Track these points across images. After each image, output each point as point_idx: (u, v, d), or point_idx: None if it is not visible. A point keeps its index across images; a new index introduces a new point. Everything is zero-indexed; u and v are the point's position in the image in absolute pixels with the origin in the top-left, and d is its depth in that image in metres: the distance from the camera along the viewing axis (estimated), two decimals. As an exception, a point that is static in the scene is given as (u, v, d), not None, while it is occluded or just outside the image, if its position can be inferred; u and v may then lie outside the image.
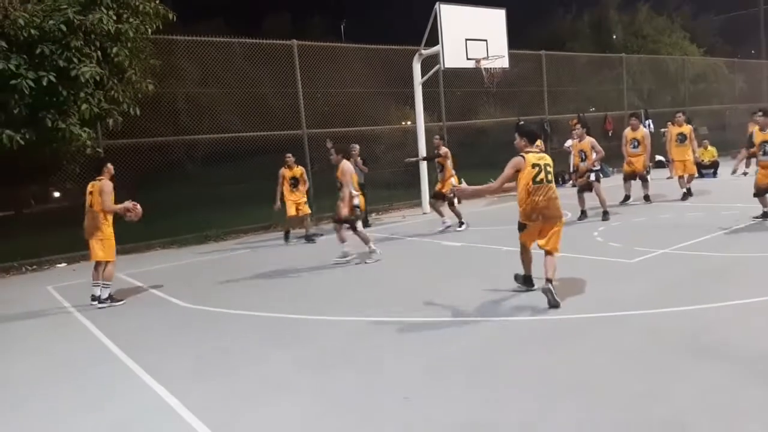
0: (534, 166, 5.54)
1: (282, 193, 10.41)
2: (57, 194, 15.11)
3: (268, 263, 8.86)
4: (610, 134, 18.81)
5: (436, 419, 3.46)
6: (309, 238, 10.66)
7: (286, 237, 10.69)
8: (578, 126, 11.83)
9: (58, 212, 14.75)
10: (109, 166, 7.13)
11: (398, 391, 3.87)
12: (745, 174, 15.34)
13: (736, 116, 25.22)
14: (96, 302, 6.87)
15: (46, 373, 4.82)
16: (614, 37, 29.86)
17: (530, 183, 5.52)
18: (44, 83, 8.47)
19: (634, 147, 11.78)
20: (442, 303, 5.92)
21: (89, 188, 7.01)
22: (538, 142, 6.84)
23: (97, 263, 6.95)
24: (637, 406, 3.42)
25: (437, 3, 11.86)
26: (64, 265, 10.20)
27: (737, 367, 3.83)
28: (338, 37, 29.63)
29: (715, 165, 16.10)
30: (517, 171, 5.57)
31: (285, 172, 10.49)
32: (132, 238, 10.26)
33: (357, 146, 11.53)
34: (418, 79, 12.97)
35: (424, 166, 13.12)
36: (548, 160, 5.68)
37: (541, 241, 5.69)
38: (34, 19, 8.62)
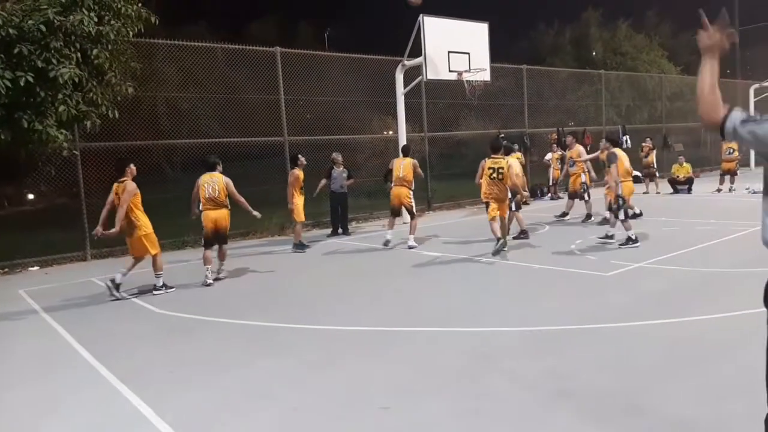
0: (490, 168, 8.85)
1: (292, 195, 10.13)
2: (31, 196, 14.84)
3: (247, 270, 8.78)
4: (588, 149, 19.06)
5: (416, 430, 3.45)
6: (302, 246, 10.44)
7: (302, 246, 10.34)
8: (569, 138, 12.12)
9: (33, 214, 14.49)
10: (132, 167, 7.36)
11: (378, 401, 3.86)
12: (718, 191, 15.70)
13: (711, 134, 25.75)
14: (158, 290, 7.46)
15: (13, 379, 4.71)
16: (594, 53, 30.40)
17: (488, 178, 8.86)
18: (21, 83, 8.32)
19: (571, 165, 12.01)
20: (424, 314, 5.93)
21: (114, 190, 7.28)
22: (501, 153, 9.11)
23: (136, 259, 7.52)
24: (621, 417, 3.45)
25: (421, 15, 11.95)
26: (36, 268, 10.00)
27: (716, 380, 3.89)
28: (322, 45, 29.71)
29: (690, 181, 16.42)
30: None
31: (300, 174, 10.17)
32: (108, 242, 10.09)
33: (339, 156, 11.56)
34: (400, 89, 13.04)
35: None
36: (502, 164, 8.79)
37: (496, 212, 8.79)
38: (12, 18, 8.48)
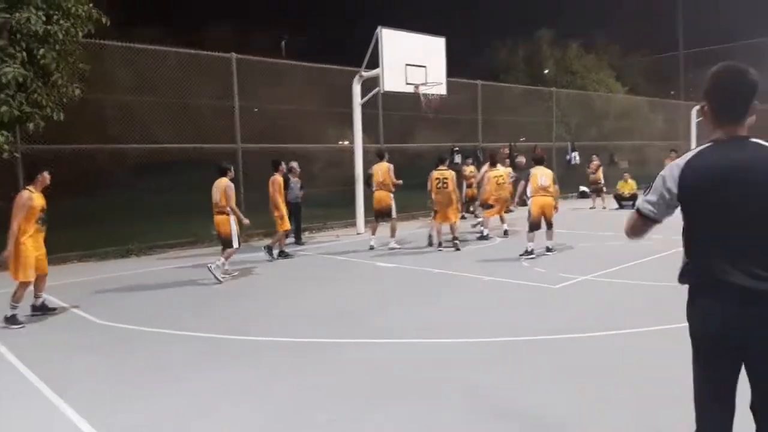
0: (437, 178, 10.27)
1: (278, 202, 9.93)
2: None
3: (195, 280, 8.58)
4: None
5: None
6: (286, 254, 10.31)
7: (282, 253, 10.12)
8: (519, 156, 12.43)
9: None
10: (45, 174, 6.63)
11: (324, 414, 3.81)
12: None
13: (655, 152, 26.82)
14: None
15: (-59, 393, 4.44)
16: (546, 71, 31.27)
17: (435, 187, 10.27)
18: (-39, 82, 7.96)
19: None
20: (376, 325, 5.91)
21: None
22: (445, 165, 10.61)
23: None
24: (566, 428, 3.51)
25: (379, 27, 12.03)
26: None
27: (659, 390, 4.01)
28: (279, 53, 29.51)
29: (634, 197, 16.99)
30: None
31: (281, 180, 10.01)
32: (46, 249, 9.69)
33: (297, 166, 11.51)
34: (357, 100, 13.06)
35: (360, 188, 13.15)
36: (446, 175, 10.30)
37: (446, 220, 10.32)
38: (-48, 14, 8.12)
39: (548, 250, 9.66)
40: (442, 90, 13.14)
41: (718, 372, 2.43)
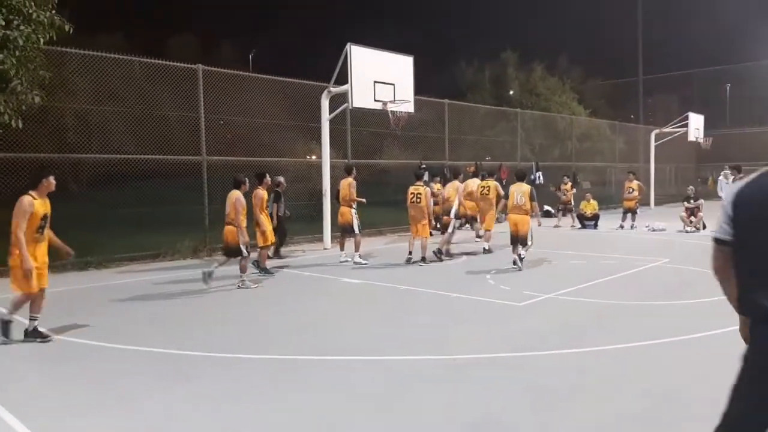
0: (411, 193, 10.67)
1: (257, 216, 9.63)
2: None
3: (155, 294, 8.35)
4: (504, 182, 19.85)
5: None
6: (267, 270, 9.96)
7: (265, 269, 9.73)
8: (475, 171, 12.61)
9: None
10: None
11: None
12: (621, 227, 16.72)
13: (615, 174, 27.55)
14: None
15: None
16: (511, 92, 31.92)
17: (410, 201, 10.63)
18: None
19: None
20: (340, 342, 5.83)
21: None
22: (421, 182, 11.00)
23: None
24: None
25: (348, 44, 12.08)
26: None
27: (621, 406, 4.05)
28: (246, 66, 29.38)
29: (596, 217, 17.37)
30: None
31: (264, 194, 9.65)
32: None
33: (283, 179, 11.47)
34: (326, 115, 13.05)
35: (327, 202, 13.09)
36: (420, 190, 10.62)
37: (416, 234, 10.68)
38: None
39: (514, 263, 9.81)
40: (410, 108, 13.24)
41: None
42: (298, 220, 14.40)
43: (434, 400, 4.23)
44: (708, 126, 27.14)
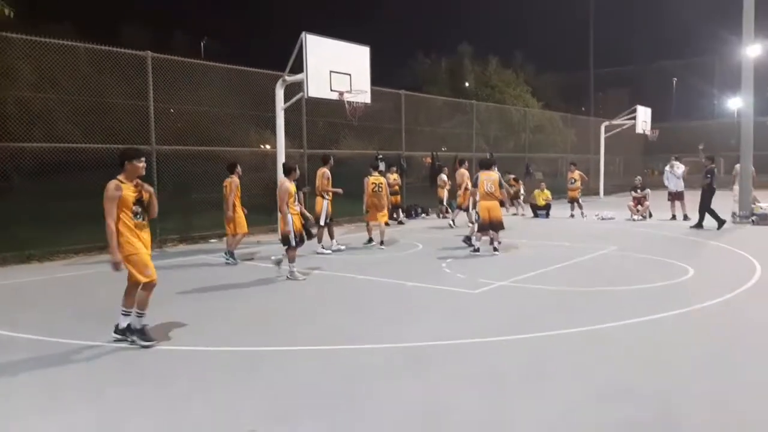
0: (373, 183, 11.49)
1: (234, 205, 9.84)
2: None
3: (103, 287, 8.08)
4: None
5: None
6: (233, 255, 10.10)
7: (232, 255, 9.89)
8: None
9: None
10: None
11: (246, 427, 3.65)
12: (572, 216, 17.12)
13: (567, 165, 28.16)
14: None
15: None
16: (467, 84, 32.17)
17: (371, 191, 11.43)
18: None
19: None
20: (298, 333, 5.77)
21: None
22: (379, 172, 11.94)
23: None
24: None
25: (303, 32, 11.90)
26: None
27: (577, 390, 4.14)
28: (198, 55, 28.68)
29: (548, 206, 17.74)
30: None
31: (238, 181, 9.94)
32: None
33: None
34: (280, 104, 12.84)
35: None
36: (382, 180, 11.65)
37: (380, 219, 11.34)
38: None
39: (495, 249, 10.33)
40: (366, 98, 13.15)
41: None
42: (253, 210, 14.16)
43: (390, 390, 4.23)
44: (655, 118, 28.03)
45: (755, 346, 5.13)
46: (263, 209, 13.21)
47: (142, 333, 5.33)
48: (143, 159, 5.42)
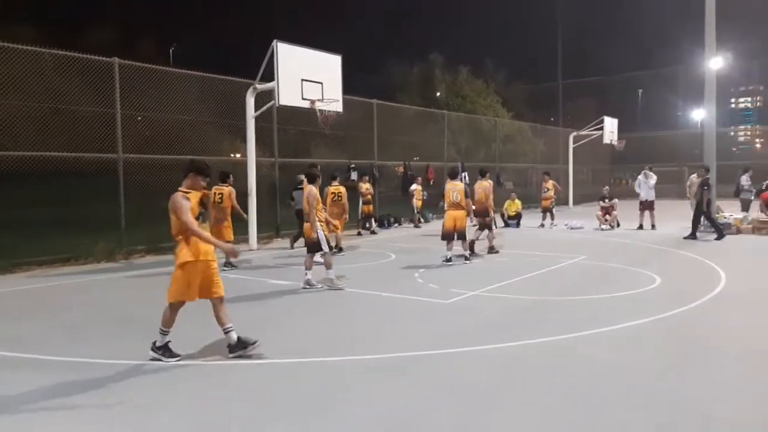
0: (332, 192, 11.72)
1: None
2: None
3: (69, 299, 7.83)
4: (431, 183, 20.14)
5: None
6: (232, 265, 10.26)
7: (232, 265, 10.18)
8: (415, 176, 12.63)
9: None
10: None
11: (206, 442, 3.55)
12: (542, 226, 17.31)
13: (537, 174, 28.55)
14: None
15: None
16: (438, 94, 32.44)
17: (331, 200, 11.63)
18: None
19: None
20: (268, 344, 5.66)
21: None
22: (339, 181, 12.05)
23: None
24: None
25: (275, 40, 11.83)
26: None
27: (548, 400, 4.13)
28: (167, 61, 28.30)
29: (519, 216, 17.90)
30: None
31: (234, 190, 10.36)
32: None
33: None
34: (251, 112, 12.74)
35: (253, 202, 12.76)
36: (341, 190, 11.89)
37: (335, 228, 10.36)
38: None
39: (466, 258, 10.53)
40: (338, 107, 13.13)
41: None
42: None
43: (363, 401, 4.17)
44: (621, 129, 28.64)
45: (721, 353, 5.21)
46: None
47: (166, 349, 5.16)
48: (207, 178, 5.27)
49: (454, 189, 10.49)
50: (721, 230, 13.51)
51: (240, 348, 5.12)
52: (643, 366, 4.89)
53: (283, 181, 15.10)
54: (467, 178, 21.56)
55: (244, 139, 13.02)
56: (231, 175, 10.56)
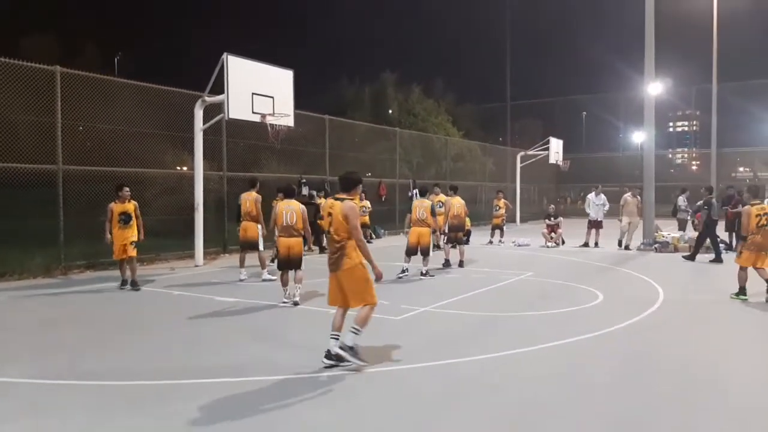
0: (284, 209, 8.43)
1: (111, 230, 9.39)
2: None
3: (6, 318, 7.41)
4: (383, 199, 20.21)
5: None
6: (134, 285, 9.49)
7: (123, 283, 9.58)
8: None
9: None
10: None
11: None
12: (490, 243, 17.59)
13: (486, 192, 29.09)
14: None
15: None
16: (390, 111, 32.70)
17: (281, 222, 8.45)
18: None
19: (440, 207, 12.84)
20: (208, 363, 5.49)
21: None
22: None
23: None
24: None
25: (225, 53, 11.67)
26: None
27: (493, 414, 4.14)
28: (111, 71, 27.54)
29: (468, 233, 18.09)
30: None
31: (115, 207, 9.41)
32: None
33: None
34: (199, 125, 12.48)
35: (200, 216, 12.45)
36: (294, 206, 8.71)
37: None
38: None
39: (422, 274, 10.67)
40: (289, 122, 13.03)
41: None
42: (166, 235, 13.56)
43: (311, 419, 4.08)
44: (567, 149, 29.56)
45: (658, 367, 5.38)
46: (177, 234, 12.64)
47: (355, 352, 5.26)
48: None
49: (421, 206, 10.87)
50: (719, 253, 13.24)
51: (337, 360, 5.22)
52: (584, 380, 5.00)
53: (231, 195, 14.82)
54: (418, 195, 21.81)
55: (191, 152, 12.73)
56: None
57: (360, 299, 5.30)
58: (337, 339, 5.25)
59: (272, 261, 11.54)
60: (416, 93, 33.33)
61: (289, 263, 8.23)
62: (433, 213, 10.81)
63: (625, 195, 16.11)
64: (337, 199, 5.42)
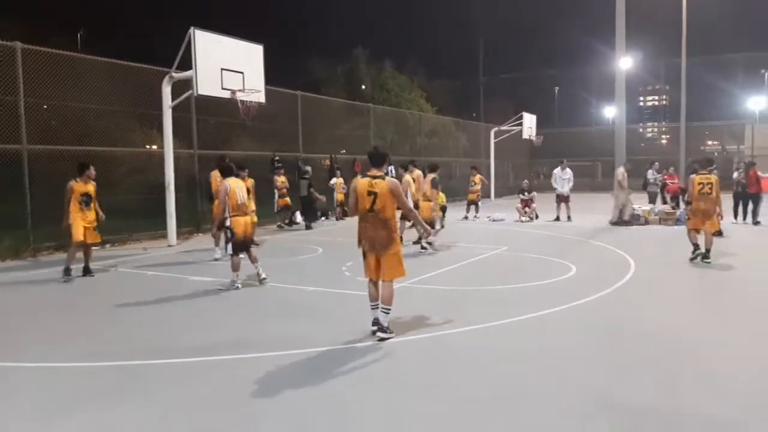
0: (235, 187, 7.88)
1: (69, 212, 8.54)
2: None
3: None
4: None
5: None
6: (89, 271, 8.90)
7: (67, 272, 8.60)
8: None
9: None
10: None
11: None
12: (466, 218, 17.71)
13: (460, 168, 29.20)
14: None
15: None
16: (363, 87, 32.44)
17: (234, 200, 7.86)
18: None
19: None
20: (183, 343, 5.44)
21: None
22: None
23: None
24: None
25: (192, 27, 11.35)
26: None
27: (473, 389, 4.19)
28: (74, 46, 26.65)
29: (443, 209, 18.16)
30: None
31: (75, 185, 8.58)
32: None
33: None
34: (167, 102, 12.19)
35: (171, 196, 12.23)
36: (247, 185, 8.62)
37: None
38: None
39: (422, 248, 11.07)
40: (260, 98, 12.80)
41: None
42: (137, 215, 13.33)
43: (290, 396, 4.08)
44: (540, 125, 29.74)
45: (628, 337, 5.50)
46: (149, 213, 12.40)
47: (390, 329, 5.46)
48: None
49: (425, 181, 11.31)
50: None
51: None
52: (555, 352, 5.09)
53: (202, 172, 14.60)
54: (394, 171, 21.77)
55: (160, 130, 12.44)
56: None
57: (395, 273, 5.55)
58: (377, 307, 5.49)
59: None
60: (388, 69, 33.09)
61: (245, 244, 7.96)
62: (434, 186, 11.15)
63: (617, 170, 15.79)
64: (373, 177, 5.53)
